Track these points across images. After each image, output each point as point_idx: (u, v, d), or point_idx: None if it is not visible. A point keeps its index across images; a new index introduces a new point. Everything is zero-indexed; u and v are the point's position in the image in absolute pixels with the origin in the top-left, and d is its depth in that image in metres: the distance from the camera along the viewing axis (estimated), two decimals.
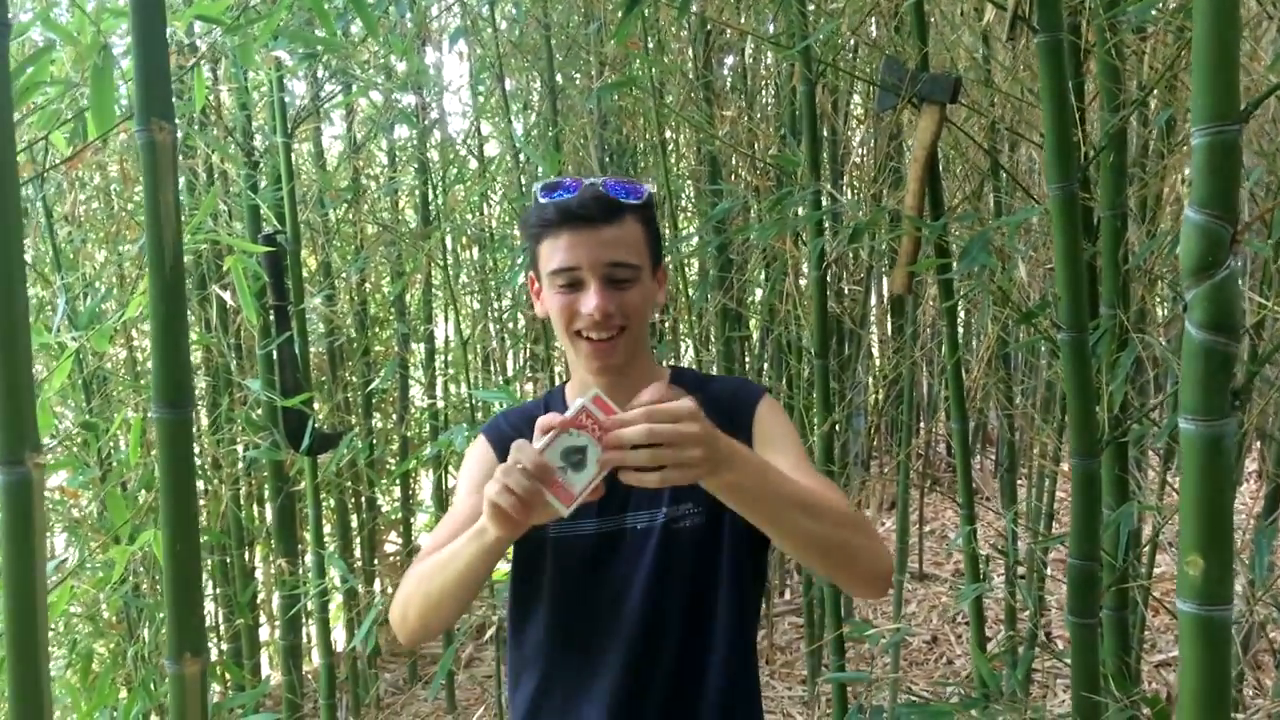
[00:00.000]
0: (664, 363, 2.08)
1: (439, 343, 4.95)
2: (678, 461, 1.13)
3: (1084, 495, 1.85)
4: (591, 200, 1.41)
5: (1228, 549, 1.15)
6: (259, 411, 3.07)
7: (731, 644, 1.49)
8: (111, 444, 3.05)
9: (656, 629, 1.47)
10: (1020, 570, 4.22)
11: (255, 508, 4.14)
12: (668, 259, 1.52)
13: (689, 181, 4.45)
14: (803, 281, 3.64)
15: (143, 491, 2.81)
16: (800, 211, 2.80)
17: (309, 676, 3.95)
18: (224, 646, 3.89)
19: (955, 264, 2.24)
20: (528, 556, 1.53)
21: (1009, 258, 2.64)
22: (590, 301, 1.41)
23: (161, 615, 2.55)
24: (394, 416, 4.95)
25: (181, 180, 3.47)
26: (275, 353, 2.68)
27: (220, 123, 3.15)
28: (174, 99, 2.99)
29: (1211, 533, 1.14)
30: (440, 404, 4.45)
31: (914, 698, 4.17)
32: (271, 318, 2.76)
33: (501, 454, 1.47)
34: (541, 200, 1.44)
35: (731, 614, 1.49)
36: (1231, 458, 1.15)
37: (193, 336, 3.34)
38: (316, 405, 4.44)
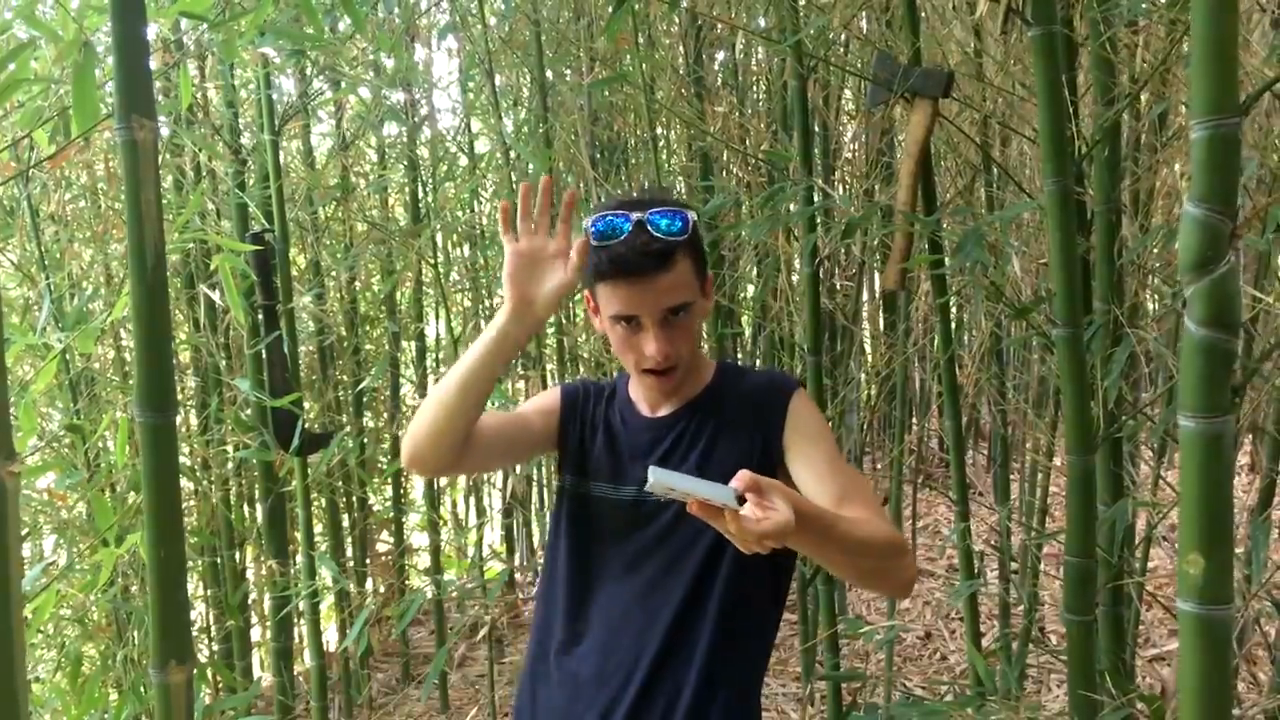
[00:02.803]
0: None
1: (430, 341, 4.92)
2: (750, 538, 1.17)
3: (1080, 492, 1.84)
4: (643, 251, 1.47)
5: (1228, 548, 1.14)
6: (248, 411, 3.04)
7: (724, 632, 1.54)
8: (99, 445, 3.02)
9: (660, 599, 1.56)
10: (1014, 566, 4.22)
11: (246, 508, 4.11)
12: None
13: (680, 178, 4.43)
14: (795, 277, 3.63)
15: (131, 493, 2.79)
16: (792, 207, 2.78)
17: (300, 678, 3.93)
18: (215, 648, 3.86)
19: (948, 259, 2.22)
20: (570, 510, 1.66)
21: (1002, 253, 2.63)
22: (650, 346, 1.52)
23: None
24: (385, 415, 4.93)
25: (169, 179, 3.45)
26: (264, 352, 2.65)
27: (207, 120, 3.13)
28: (160, 97, 2.98)
29: (1212, 531, 1.13)
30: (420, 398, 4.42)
31: (909, 695, 4.17)
32: (260, 317, 2.74)
33: (568, 398, 1.71)
34: (593, 244, 1.49)
35: (725, 601, 1.55)
36: (1232, 455, 1.13)
37: (181, 336, 3.31)
38: (307, 405, 4.42)
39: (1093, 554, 1.87)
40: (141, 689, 2.55)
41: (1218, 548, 1.13)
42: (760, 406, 1.60)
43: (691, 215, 1.53)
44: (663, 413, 1.66)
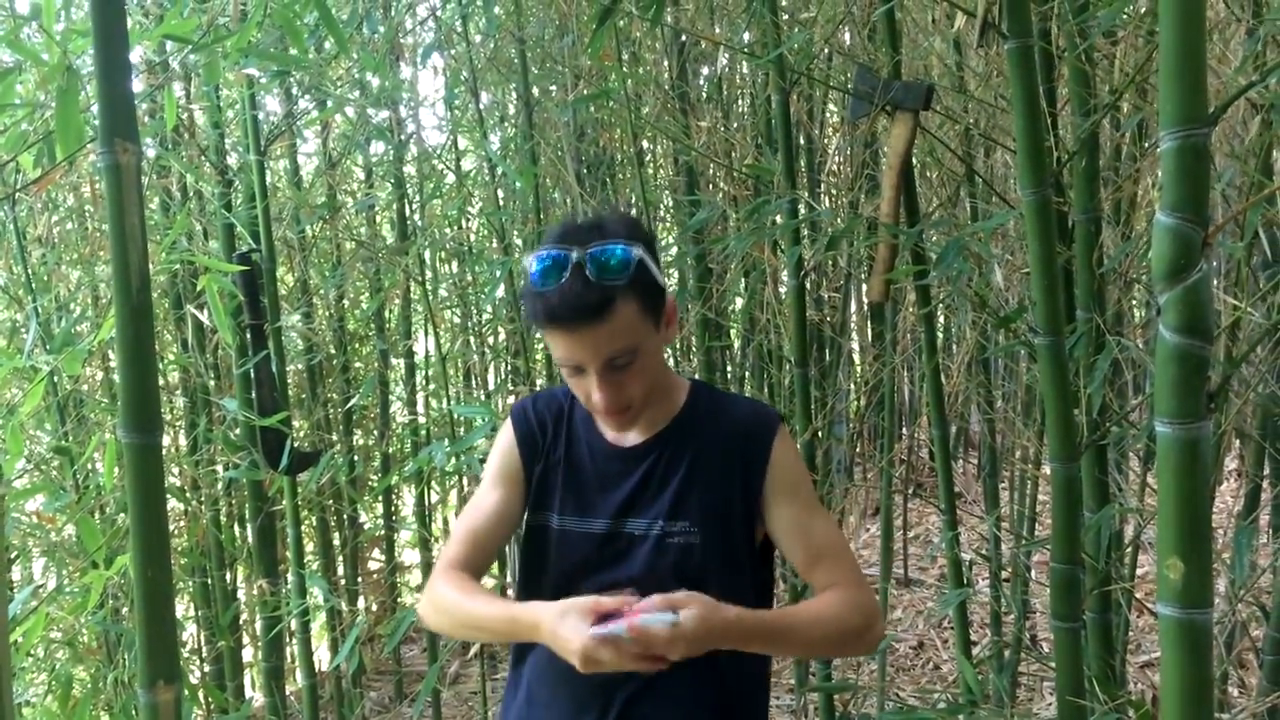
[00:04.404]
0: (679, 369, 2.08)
1: (419, 358, 4.92)
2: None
3: (1064, 499, 1.85)
4: (578, 304, 1.39)
5: (1207, 551, 1.15)
6: (237, 431, 3.04)
7: (708, 663, 1.45)
8: (88, 466, 3.02)
9: None
10: (1006, 574, 4.23)
11: (236, 528, 4.11)
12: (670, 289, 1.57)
13: (667, 192, 4.45)
14: (782, 289, 3.64)
15: (120, 515, 2.78)
16: (778, 220, 2.80)
17: (293, 697, 3.91)
18: (206, 669, 3.85)
19: (931, 270, 2.24)
20: (536, 546, 1.60)
21: (985, 263, 2.64)
22: (595, 395, 1.46)
23: None
24: (375, 433, 4.93)
25: (155, 200, 3.45)
26: (253, 372, 2.66)
27: (192, 141, 3.13)
28: (146, 118, 2.99)
29: (1190, 535, 1.14)
30: (421, 419, 4.43)
31: (902, 705, 4.17)
32: (248, 337, 2.74)
33: (524, 440, 1.62)
34: (532, 286, 1.43)
35: None
36: (1209, 460, 1.15)
37: (169, 357, 3.31)
38: (297, 423, 4.41)
39: (1078, 561, 1.88)
40: (132, 711, 2.54)
41: (1197, 552, 1.14)
42: (742, 448, 1.56)
43: (637, 250, 1.43)
44: (630, 441, 1.59)
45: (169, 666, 1.02)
